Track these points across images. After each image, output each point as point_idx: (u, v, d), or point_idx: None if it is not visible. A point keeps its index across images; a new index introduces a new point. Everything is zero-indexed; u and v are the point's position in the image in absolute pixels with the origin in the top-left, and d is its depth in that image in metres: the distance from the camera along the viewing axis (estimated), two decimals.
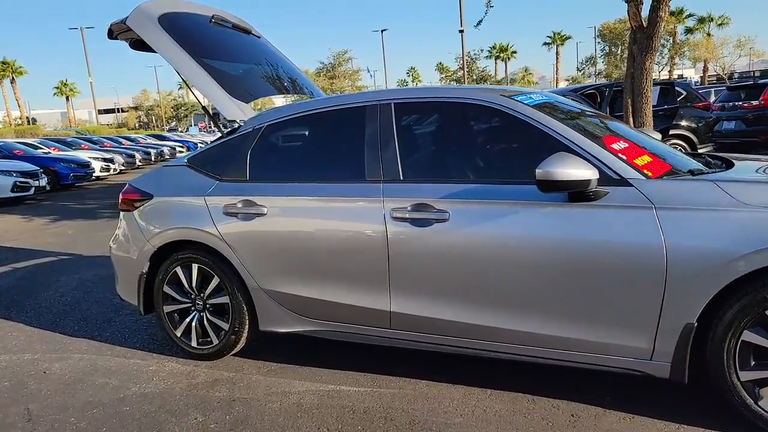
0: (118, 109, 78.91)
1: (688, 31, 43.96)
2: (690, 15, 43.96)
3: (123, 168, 19.82)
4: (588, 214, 2.39)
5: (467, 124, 2.97)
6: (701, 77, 43.00)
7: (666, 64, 43.75)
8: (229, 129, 3.53)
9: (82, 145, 21.21)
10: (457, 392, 2.84)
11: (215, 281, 3.33)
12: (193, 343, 3.47)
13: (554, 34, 57.50)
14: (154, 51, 3.91)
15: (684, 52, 43.10)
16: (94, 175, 16.85)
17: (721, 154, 3.25)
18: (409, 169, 2.86)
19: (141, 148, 24.38)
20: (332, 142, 3.27)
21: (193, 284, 3.41)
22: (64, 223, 9.57)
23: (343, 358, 3.33)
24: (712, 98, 15.26)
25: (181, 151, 32.18)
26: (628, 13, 7.05)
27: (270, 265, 3.13)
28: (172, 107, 72.47)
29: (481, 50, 50.03)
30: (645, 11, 6.97)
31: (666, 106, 8.85)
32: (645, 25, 6.83)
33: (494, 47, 58.22)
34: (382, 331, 2.96)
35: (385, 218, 2.80)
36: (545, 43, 59.07)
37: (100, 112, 66.31)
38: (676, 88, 9.97)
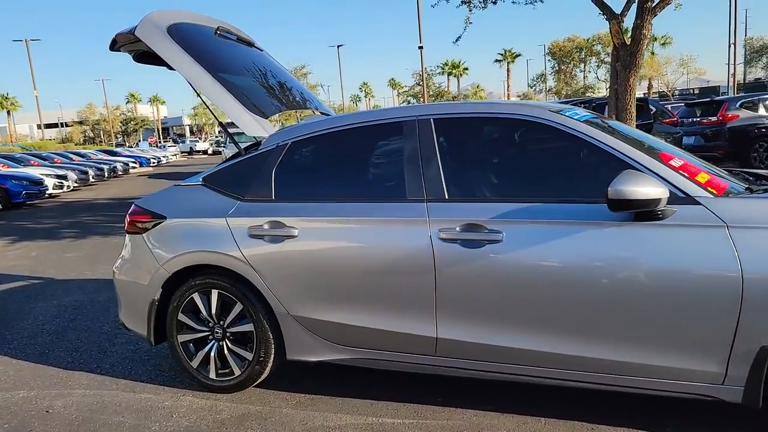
0: (61, 123, 75.88)
1: None
2: None
3: (76, 185, 18.93)
4: (656, 233, 2.34)
5: (515, 140, 2.90)
6: (644, 94, 44.91)
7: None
8: (248, 145, 3.35)
9: (32, 162, 20.16)
10: (510, 422, 2.73)
11: (237, 308, 3.13)
12: (212, 375, 3.24)
13: (505, 51, 59.03)
14: (160, 63, 3.70)
15: None
16: (47, 192, 16.01)
17: (744, 170, 3.30)
18: (455, 187, 2.76)
19: (93, 164, 23.43)
20: (366, 159, 3.14)
21: (213, 311, 3.19)
22: (25, 244, 8.99)
23: (372, 387, 3.17)
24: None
25: (134, 167, 31.17)
26: (610, 31, 7.23)
27: (301, 290, 2.96)
28: (120, 121, 70.26)
29: (438, 66, 50.77)
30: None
31: (642, 122, 9.11)
32: (628, 43, 7.01)
33: (446, 64, 59.22)
34: (425, 358, 2.82)
35: (432, 239, 2.69)
36: (497, 60, 60.58)
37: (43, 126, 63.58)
38: (649, 104, 10.30)
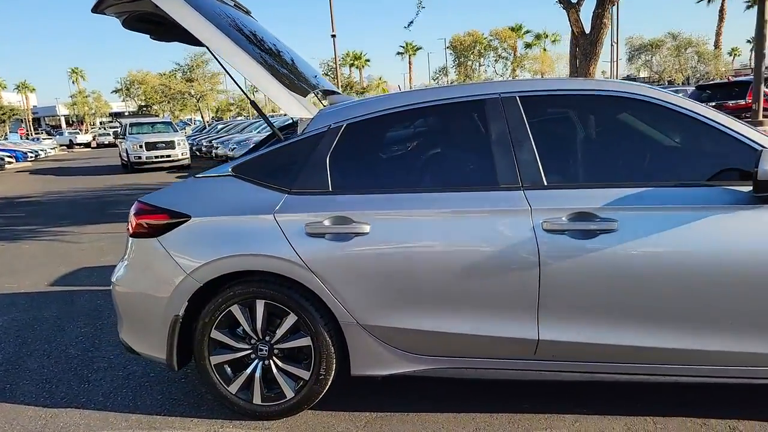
0: None
1: (527, 46, 48.32)
2: (528, 31, 48.37)
3: None
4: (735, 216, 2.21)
5: (616, 119, 2.67)
6: None
7: (509, 77, 47.50)
8: (282, 128, 2.86)
9: None
10: (618, 425, 2.51)
11: (290, 320, 2.65)
12: (257, 400, 2.74)
13: (406, 44, 59.79)
14: (151, 31, 3.12)
15: (524, 65, 47.14)
16: None
17: None
18: (553, 172, 2.49)
19: None
20: (442, 142, 2.78)
21: (258, 326, 2.70)
22: None
23: (442, 398, 2.84)
24: None
25: (10, 162, 27.85)
26: (569, 19, 7.28)
27: (374, 295, 2.55)
28: None
29: (340, 57, 50.22)
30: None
31: None
32: (588, 32, 7.10)
33: (347, 55, 58.89)
34: (521, 363, 2.54)
35: (535, 231, 2.40)
36: (398, 53, 61.21)
37: None
38: None
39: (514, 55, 47.88)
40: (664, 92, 2.49)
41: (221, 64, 2.89)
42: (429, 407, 2.77)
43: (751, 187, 2.24)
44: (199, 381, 2.87)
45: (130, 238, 2.87)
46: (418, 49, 59.83)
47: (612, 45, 42.22)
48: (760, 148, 2.29)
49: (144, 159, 19.83)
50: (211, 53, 2.80)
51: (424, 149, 2.78)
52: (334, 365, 2.67)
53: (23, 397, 3.17)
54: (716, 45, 40.22)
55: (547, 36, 48.26)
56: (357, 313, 2.58)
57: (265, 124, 22.51)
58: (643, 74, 41.22)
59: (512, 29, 47.22)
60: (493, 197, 2.48)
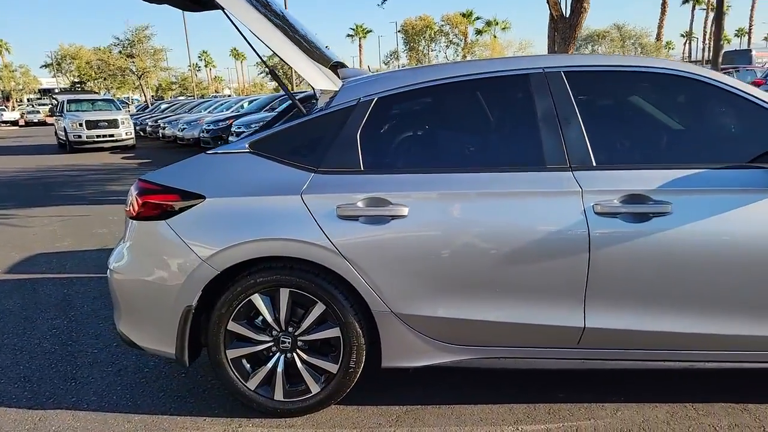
0: None
1: (478, 32, 48.69)
2: (478, 18, 48.66)
3: None
4: None
5: (666, 98, 2.58)
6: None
7: None
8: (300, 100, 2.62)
9: None
10: (661, 413, 2.46)
11: (317, 309, 2.45)
12: (278, 396, 2.53)
13: (356, 26, 59.07)
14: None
15: (475, 52, 47.48)
16: None
17: None
18: (602, 153, 2.37)
19: None
20: (483, 119, 2.61)
21: (282, 316, 2.48)
22: None
23: (471, 390, 2.71)
24: None
25: None
26: (548, 2, 7.23)
27: (411, 282, 2.38)
28: None
29: None
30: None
31: None
32: (567, 15, 7.08)
33: None
34: (563, 351, 2.44)
35: (586, 214, 2.28)
36: (348, 35, 60.41)
37: None
38: None
39: (465, 41, 48.17)
40: (717, 73, 2.42)
41: (241, 33, 2.61)
42: (461, 399, 2.63)
43: None
44: (213, 377, 2.63)
45: (132, 221, 2.57)
46: (368, 32, 59.29)
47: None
48: None
49: (84, 138, 18.72)
50: (232, 23, 2.54)
51: (463, 127, 2.61)
52: (364, 357, 2.49)
53: (2, 398, 2.83)
54: (658, 37, 41.78)
55: (497, 23, 48.79)
56: (392, 302, 2.40)
57: (221, 104, 21.72)
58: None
59: (463, 15, 47.42)
60: (542, 178, 2.35)
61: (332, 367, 2.50)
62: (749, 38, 58.72)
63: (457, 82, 2.51)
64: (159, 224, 2.49)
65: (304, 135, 2.53)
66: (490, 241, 2.33)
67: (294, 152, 2.50)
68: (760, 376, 2.66)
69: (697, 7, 56.87)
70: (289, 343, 2.50)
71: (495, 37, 48.08)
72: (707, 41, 51.55)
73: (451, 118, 2.62)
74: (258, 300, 2.46)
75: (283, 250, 2.40)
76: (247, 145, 2.55)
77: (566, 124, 2.38)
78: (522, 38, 67.35)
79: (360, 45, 59.75)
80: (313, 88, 2.97)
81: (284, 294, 2.45)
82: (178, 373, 3.00)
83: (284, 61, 2.52)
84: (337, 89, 2.57)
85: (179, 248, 2.45)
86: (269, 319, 2.48)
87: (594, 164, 2.34)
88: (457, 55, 47.53)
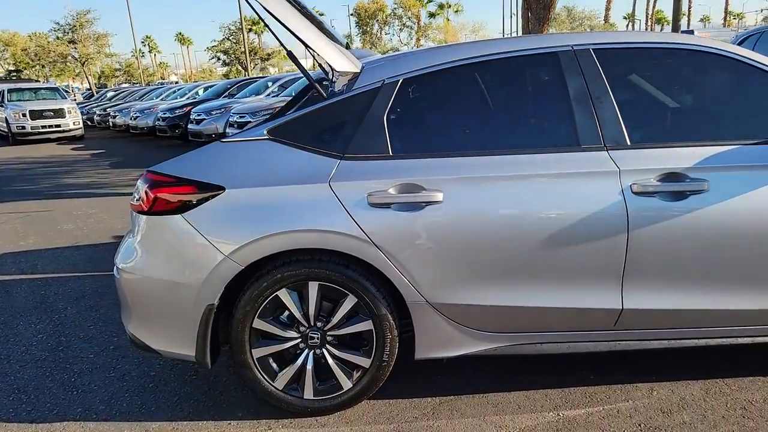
0: None
1: (431, 15, 48.62)
2: (430, 1, 48.59)
3: None
4: None
5: (696, 74, 2.54)
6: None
7: (413, 47, 47.62)
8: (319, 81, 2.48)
9: None
10: (695, 390, 2.47)
11: (349, 302, 2.34)
12: (308, 395, 2.42)
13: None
14: None
15: (428, 35, 47.47)
16: None
17: None
18: (636, 131, 2.33)
19: None
20: (513, 99, 2.53)
21: (311, 311, 2.35)
22: None
23: (500, 377, 2.66)
24: None
25: None
26: None
27: (447, 269, 2.29)
28: None
29: (236, 22, 47.74)
30: None
31: None
32: None
33: (245, 19, 56.08)
34: (600, 334, 2.41)
35: (624, 194, 2.25)
36: None
37: None
38: None
39: (418, 24, 48.04)
40: (745, 50, 2.41)
41: (258, 15, 2.45)
42: (494, 387, 2.58)
43: None
44: (228, 377, 2.49)
45: (142, 216, 2.39)
46: (321, 14, 58.14)
47: (511, 16, 43.53)
48: None
49: (29, 129, 17.84)
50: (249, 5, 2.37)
51: (493, 107, 2.52)
52: (397, 349, 2.40)
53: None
54: (606, 20, 42.76)
55: (449, 6, 48.83)
56: (427, 291, 2.31)
57: (174, 92, 20.90)
58: None
59: None
60: (578, 158, 2.29)
61: (365, 362, 2.40)
62: (689, 19, 60.73)
63: (483, 62, 2.43)
64: (175, 219, 2.32)
65: (327, 120, 2.40)
66: (528, 224, 2.27)
67: (317, 138, 2.37)
68: None
69: None
70: (317, 338, 2.39)
71: (448, 20, 48.24)
72: (649, 23, 53.18)
73: (480, 99, 2.53)
74: (285, 295, 2.33)
75: (313, 242, 2.27)
76: (265, 132, 2.39)
77: (599, 103, 2.33)
78: (474, 20, 67.84)
79: None
80: (324, 70, 2.83)
81: (313, 288, 2.33)
82: (188, 376, 2.84)
83: (303, 42, 2.37)
84: (358, 71, 2.44)
85: (199, 244, 2.29)
86: (297, 314, 2.35)
87: (629, 143, 2.31)
88: (411, 39, 47.42)
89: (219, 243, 2.27)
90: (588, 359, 2.74)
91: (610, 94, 2.34)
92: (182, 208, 2.31)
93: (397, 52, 2.77)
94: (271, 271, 2.31)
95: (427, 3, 48.11)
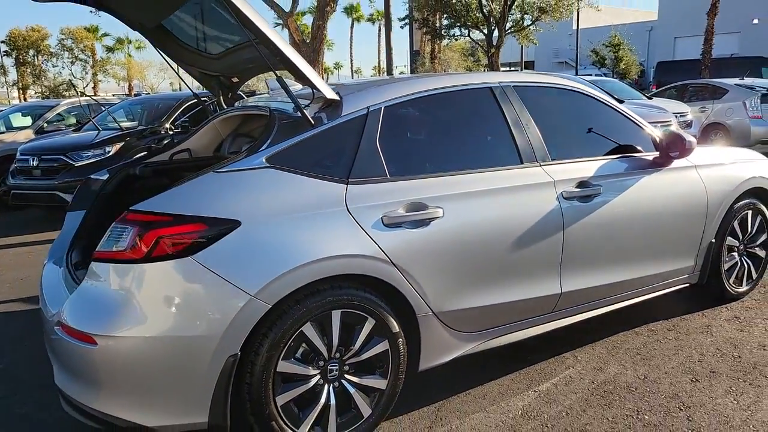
0: None
1: (109, 50, 44.83)
2: (106, 34, 44.90)
3: None
4: (674, 174, 3.26)
5: (576, 108, 3.22)
6: (127, 94, 44.48)
7: (90, 81, 43.12)
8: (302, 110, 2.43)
9: None
10: (602, 349, 3.16)
11: (368, 325, 2.33)
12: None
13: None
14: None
15: (107, 70, 43.61)
16: None
17: None
18: (553, 150, 2.92)
19: None
20: (472, 125, 2.85)
21: (334, 341, 2.26)
22: None
23: (467, 375, 2.93)
24: None
25: None
26: (288, 28, 7.57)
27: (448, 279, 2.50)
28: None
29: None
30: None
31: None
32: (309, 41, 7.55)
33: None
34: (545, 317, 2.91)
35: (559, 200, 2.82)
36: None
37: None
38: None
39: (93, 57, 43.81)
40: (602, 92, 3.26)
41: (251, 39, 2.26)
42: (471, 383, 2.83)
43: (657, 154, 3.21)
44: None
45: (134, 266, 1.96)
46: None
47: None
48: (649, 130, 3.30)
49: None
50: (248, 33, 2.21)
51: (461, 131, 2.82)
52: (406, 365, 2.48)
53: None
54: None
55: (130, 42, 45.87)
56: (432, 302, 2.47)
57: None
58: None
59: (88, 30, 43.04)
60: (529, 174, 2.77)
61: (381, 383, 2.40)
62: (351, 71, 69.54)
63: (445, 93, 2.74)
64: (182, 263, 1.98)
65: (323, 146, 2.37)
66: (504, 230, 2.64)
67: (319, 164, 2.32)
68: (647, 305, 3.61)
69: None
70: (336, 370, 2.30)
71: (130, 56, 45.26)
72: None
73: (448, 123, 2.81)
74: (310, 329, 2.20)
75: (338, 269, 2.22)
76: (264, 160, 2.23)
77: (528, 128, 2.87)
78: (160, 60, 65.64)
79: None
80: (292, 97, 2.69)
81: (336, 316, 2.25)
82: None
83: (296, 67, 2.31)
84: (339, 98, 2.47)
85: (217, 287, 2.01)
86: (321, 348, 2.24)
87: (551, 159, 2.90)
88: (86, 73, 42.82)
89: (242, 282, 2.03)
90: (518, 344, 3.21)
91: (533, 121, 2.90)
92: (191, 249, 1.99)
93: (364, 80, 2.85)
94: (294, 306, 2.15)
95: (102, 36, 44.35)
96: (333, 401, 2.29)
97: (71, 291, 2.32)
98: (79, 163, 7.28)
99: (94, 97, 17.27)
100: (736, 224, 3.62)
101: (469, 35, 21.43)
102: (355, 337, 2.32)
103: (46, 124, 9.73)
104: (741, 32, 33.57)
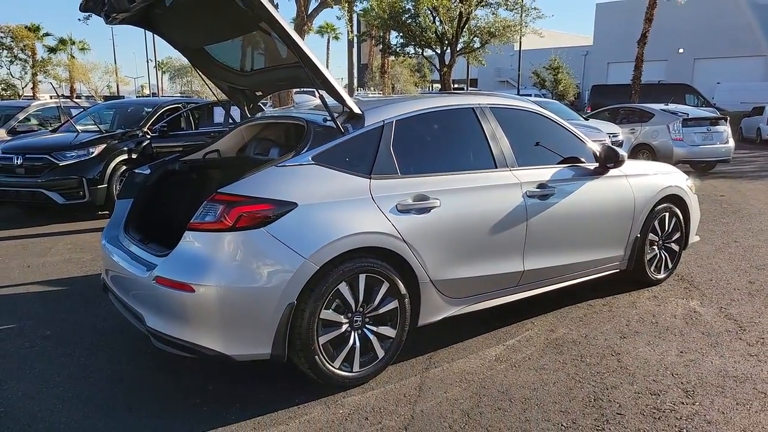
0: None
1: (51, 50, 43.47)
2: (48, 34, 43.58)
3: None
4: (610, 181, 4.15)
5: (533, 125, 4.05)
6: (69, 97, 43.30)
7: (30, 81, 41.73)
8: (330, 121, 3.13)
9: None
10: (556, 316, 3.99)
11: (383, 288, 3.04)
12: (356, 368, 2.99)
13: None
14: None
15: (48, 71, 42.30)
16: None
17: None
18: (519, 158, 3.73)
19: None
20: (459, 136, 3.60)
21: (360, 298, 2.96)
22: None
23: (447, 333, 3.65)
24: None
25: None
26: None
27: (443, 255, 3.24)
28: None
29: None
30: None
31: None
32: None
33: None
34: (511, 290, 3.71)
35: (524, 197, 3.63)
36: None
37: None
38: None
39: (33, 57, 42.41)
40: (545, 111, 4.12)
41: (301, 60, 2.95)
42: (453, 339, 3.58)
43: (596, 164, 4.09)
44: (301, 367, 2.83)
45: (223, 234, 2.61)
46: None
47: (147, 61, 42.81)
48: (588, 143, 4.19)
49: None
50: (296, 54, 2.92)
51: (452, 140, 3.59)
52: (410, 320, 3.20)
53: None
54: None
55: (74, 42, 44.67)
56: (431, 272, 3.21)
57: None
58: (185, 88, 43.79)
59: (29, 29, 41.68)
60: (502, 176, 3.57)
61: (392, 332, 3.12)
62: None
63: (440, 110, 3.52)
64: (257, 233, 2.65)
65: (352, 149, 3.09)
66: (481, 218, 3.42)
67: (349, 163, 3.03)
68: (587, 285, 4.49)
69: None
70: (360, 320, 3.00)
71: (73, 57, 44.03)
72: None
73: (443, 134, 3.57)
74: (344, 287, 2.89)
75: (366, 242, 2.93)
76: (311, 158, 2.93)
77: (501, 140, 3.67)
78: (108, 61, 63.82)
79: None
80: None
81: (362, 279, 2.96)
82: (177, 371, 2.95)
83: (332, 88, 3.02)
84: (361, 113, 3.20)
85: (281, 251, 2.68)
86: (351, 302, 2.93)
87: (518, 166, 3.71)
88: (26, 73, 41.43)
89: (300, 248, 2.71)
90: (488, 311, 3.99)
91: (504, 135, 3.71)
92: (264, 222, 2.66)
93: (376, 98, 3.59)
94: (333, 269, 2.85)
95: (43, 36, 43.00)
96: (358, 344, 2.99)
97: (149, 258, 2.95)
98: (63, 163, 7.61)
99: (75, 100, 17.19)
100: (656, 223, 4.55)
101: (422, 54, 22.59)
102: (374, 296, 3.02)
103: (17, 125, 9.92)
104: (668, 60, 36.54)
